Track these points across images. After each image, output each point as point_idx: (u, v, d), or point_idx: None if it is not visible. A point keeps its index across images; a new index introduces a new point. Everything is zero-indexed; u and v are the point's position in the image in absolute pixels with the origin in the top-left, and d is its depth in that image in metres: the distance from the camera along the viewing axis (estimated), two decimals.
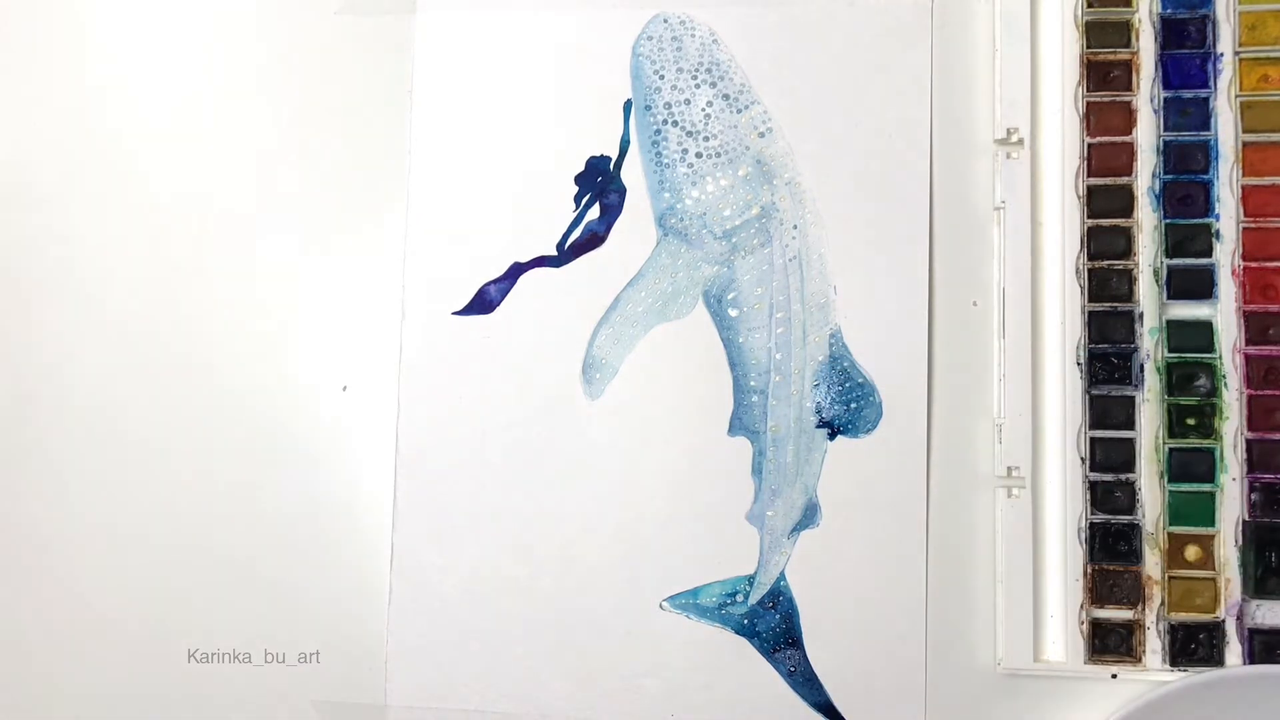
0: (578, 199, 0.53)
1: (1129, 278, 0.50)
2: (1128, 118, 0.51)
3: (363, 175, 0.55)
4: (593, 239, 0.53)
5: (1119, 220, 0.51)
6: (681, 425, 0.52)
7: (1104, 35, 0.51)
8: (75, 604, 0.55)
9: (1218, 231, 0.50)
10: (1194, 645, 0.49)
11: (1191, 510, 0.49)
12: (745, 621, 0.51)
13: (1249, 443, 0.49)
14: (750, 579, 0.51)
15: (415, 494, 0.53)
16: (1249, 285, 0.50)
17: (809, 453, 0.52)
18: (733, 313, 0.52)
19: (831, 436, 0.51)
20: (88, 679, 0.55)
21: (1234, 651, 0.49)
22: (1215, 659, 0.49)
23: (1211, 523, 0.49)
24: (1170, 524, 0.49)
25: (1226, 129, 0.50)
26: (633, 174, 0.53)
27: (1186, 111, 0.50)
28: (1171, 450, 0.49)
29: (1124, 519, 0.49)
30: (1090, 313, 0.50)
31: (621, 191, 0.53)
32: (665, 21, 0.54)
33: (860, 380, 0.51)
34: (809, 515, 0.51)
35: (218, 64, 0.56)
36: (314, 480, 0.54)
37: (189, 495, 0.55)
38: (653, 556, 0.52)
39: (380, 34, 0.55)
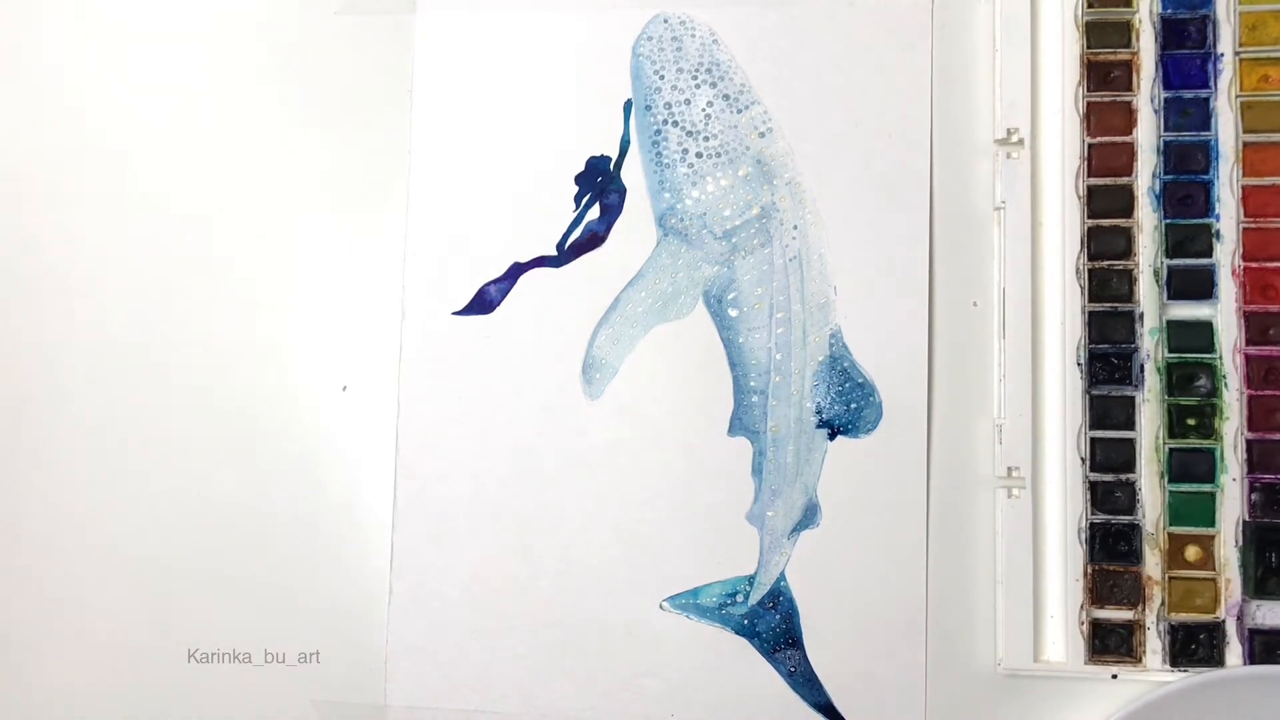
0: (578, 199, 0.53)
1: (1129, 278, 0.50)
2: (1128, 118, 0.51)
3: (363, 175, 0.55)
4: (593, 239, 0.53)
5: (1119, 220, 0.50)
6: (681, 425, 0.52)
7: (1104, 35, 0.51)
8: (75, 604, 0.55)
9: (1218, 232, 0.50)
10: (1194, 645, 0.49)
11: (1191, 510, 0.49)
12: (745, 622, 0.51)
13: (1249, 443, 0.49)
14: (750, 579, 0.51)
15: (415, 494, 0.53)
16: (1249, 285, 0.50)
17: (809, 453, 0.52)
18: (733, 313, 0.52)
19: (831, 437, 0.51)
20: (88, 679, 0.55)
21: (1234, 652, 0.49)
22: (1215, 659, 0.49)
23: (1212, 523, 0.49)
24: (1170, 524, 0.49)
25: (1227, 129, 0.50)
26: (633, 174, 0.53)
27: (1187, 112, 0.50)
28: (1172, 450, 0.49)
29: (1124, 519, 0.49)
30: (1090, 313, 0.50)
31: (621, 191, 0.53)
32: (665, 22, 0.54)
33: (860, 380, 0.51)
34: (809, 515, 0.51)
35: (218, 64, 0.56)
36: (314, 480, 0.54)
37: (189, 495, 0.55)
38: (653, 556, 0.52)
39: (380, 34, 0.55)
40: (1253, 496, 0.49)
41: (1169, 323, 0.50)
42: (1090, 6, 0.51)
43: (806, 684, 0.51)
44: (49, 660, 0.55)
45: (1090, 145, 0.51)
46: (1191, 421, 0.49)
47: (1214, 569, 0.49)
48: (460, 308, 0.54)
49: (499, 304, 0.53)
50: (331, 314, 0.55)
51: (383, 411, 0.54)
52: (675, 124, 0.53)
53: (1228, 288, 0.50)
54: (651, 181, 0.53)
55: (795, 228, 0.52)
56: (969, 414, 0.51)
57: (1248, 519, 0.49)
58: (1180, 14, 0.51)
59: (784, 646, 0.51)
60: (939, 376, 0.51)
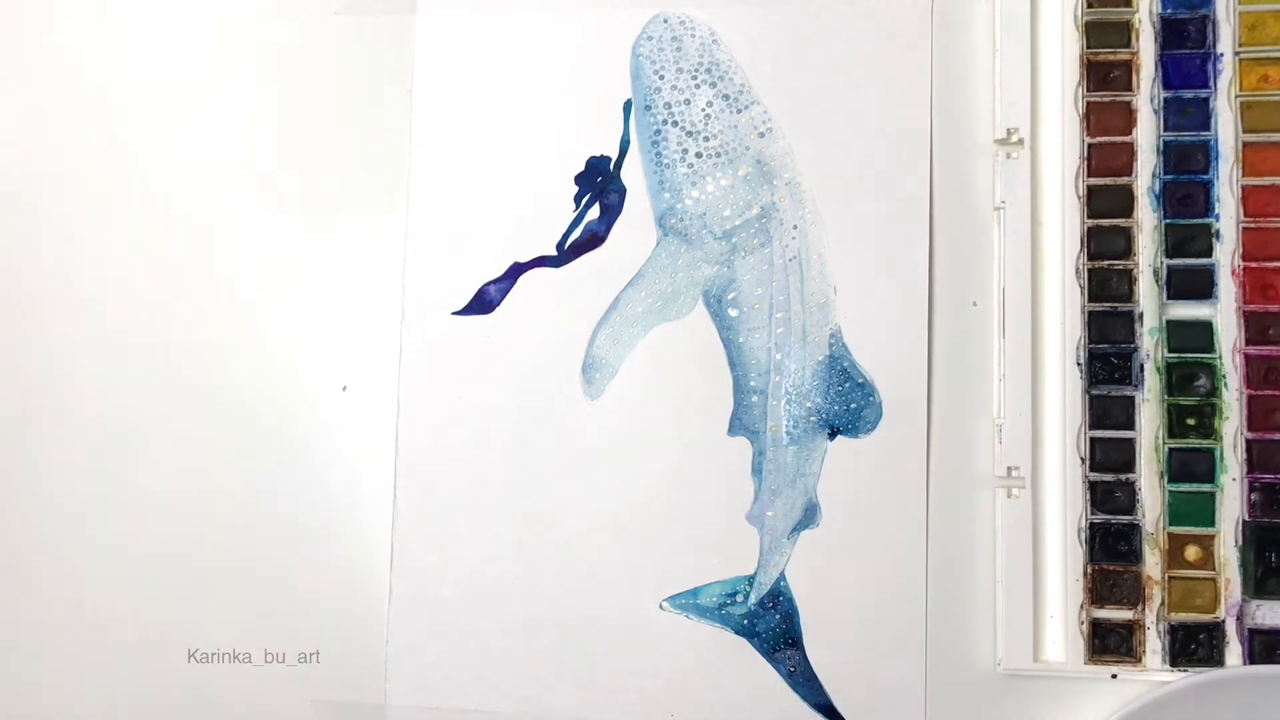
0: (578, 199, 0.53)
1: (1129, 278, 0.50)
2: (1128, 118, 0.51)
3: (363, 175, 0.55)
4: (593, 239, 0.53)
5: (1119, 220, 0.50)
6: (681, 425, 0.52)
7: (1104, 35, 0.51)
8: (75, 604, 0.55)
9: (1218, 231, 0.50)
10: (1194, 645, 0.49)
11: (1191, 510, 0.49)
12: (745, 622, 0.51)
13: (1249, 443, 0.49)
14: (750, 579, 0.51)
15: (415, 494, 0.53)
16: (1249, 285, 0.50)
17: (809, 453, 0.52)
18: (733, 313, 0.52)
19: (831, 436, 0.51)
20: (88, 679, 0.55)
21: (1234, 652, 0.49)
22: (1215, 659, 0.49)
23: (1211, 523, 0.49)
24: (1170, 524, 0.49)
25: (1226, 129, 0.50)
26: (633, 174, 0.53)
27: (1186, 111, 0.50)
28: (1171, 450, 0.49)
29: (1124, 519, 0.49)
30: (1090, 313, 0.50)
31: (621, 191, 0.53)
32: (665, 22, 0.54)
33: (860, 380, 0.51)
34: (809, 515, 0.51)
35: (218, 64, 0.56)
36: (314, 480, 0.54)
37: (189, 495, 0.55)
38: (653, 556, 0.52)
39: (380, 34, 0.55)
40: (1252, 496, 0.49)
41: (1169, 323, 0.50)
42: (1090, 6, 0.51)
43: (806, 684, 0.51)
44: (49, 660, 0.55)
45: (1090, 145, 0.51)
46: (1191, 421, 0.49)
47: (1214, 569, 0.49)
48: (460, 308, 0.54)
49: (499, 304, 0.53)
50: (332, 314, 0.55)
51: (383, 411, 0.54)
52: (675, 124, 0.53)
53: (1227, 288, 0.50)
54: (651, 181, 0.53)
55: (795, 228, 0.52)
56: (969, 414, 0.51)
57: (1247, 519, 0.49)
58: (1180, 14, 0.51)
59: (784, 646, 0.51)
60: (939, 376, 0.51)
